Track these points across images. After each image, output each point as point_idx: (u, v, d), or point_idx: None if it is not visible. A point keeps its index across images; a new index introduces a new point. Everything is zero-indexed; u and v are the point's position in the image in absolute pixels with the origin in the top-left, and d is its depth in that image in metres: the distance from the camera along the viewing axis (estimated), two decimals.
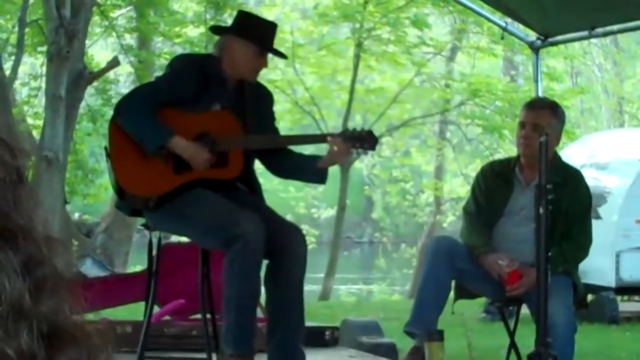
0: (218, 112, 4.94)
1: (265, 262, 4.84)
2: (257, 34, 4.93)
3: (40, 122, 13.17)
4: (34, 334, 0.89)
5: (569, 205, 5.07)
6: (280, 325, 4.81)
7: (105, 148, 5.00)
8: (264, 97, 5.20)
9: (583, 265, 5.35)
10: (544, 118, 5.19)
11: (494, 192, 5.36)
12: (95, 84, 14.17)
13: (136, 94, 5.24)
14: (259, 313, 5.33)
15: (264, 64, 5.03)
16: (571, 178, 5.27)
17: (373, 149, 5.05)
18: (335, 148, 4.89)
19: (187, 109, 4.88)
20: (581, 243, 5.25)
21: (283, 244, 4.78)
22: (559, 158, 5.48)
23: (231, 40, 4.94)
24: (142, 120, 4.81)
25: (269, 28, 5.04)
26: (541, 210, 4.33)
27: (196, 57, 5.34)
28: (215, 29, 5.29)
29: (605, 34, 7.00)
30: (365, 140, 4.96)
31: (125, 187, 4.94)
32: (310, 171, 5.02)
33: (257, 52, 4.92)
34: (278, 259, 4.79)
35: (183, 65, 5.02)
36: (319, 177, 5.04)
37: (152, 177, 4.86)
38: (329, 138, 5.01)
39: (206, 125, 4.89)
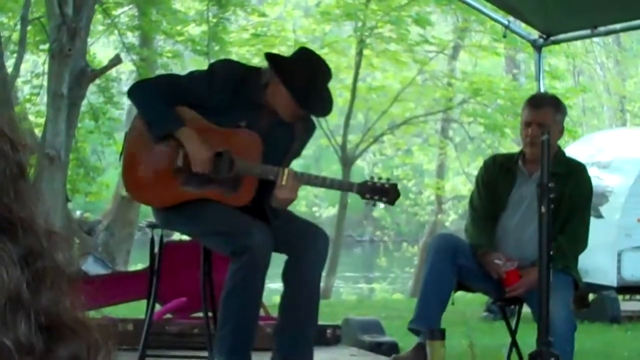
0: (245, 133, 4.76)
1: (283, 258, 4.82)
2: (301, 87, 4.68)
3: (42, 120, 13.17)
4: (31, 325, 0.90)
5: (570, 196, 5.07)
6: (294, 321, 4.77)
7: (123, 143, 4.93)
8: (308, 133, 4.99)
9: (585, 264, 5.35)
10: (548, 116, 5.22)
11: (496, 182, 5.39)
12: (97, 82, 14.17)
13: (156, 78, 5.13)
14: (261, 312, 5.33)
15: (302, 114, 4.79)
16: (574, 170, 5.31)
17: (392, 204, 4.86)
18: (283, 183, 4.63)
19: (212, 119, 4.75)
20: (580, 235, 5.26)
21: (305, 240, 4.75)
22: (563, 153, 5.51)
23: (277, 80, 4.72)
24: (154, 102, 4.71)
25: (317, 80, 4.76)
26: (543, 209, 4.33)
27: (241, 68, 5.00)
28: (271, 59, 4.90)
29: (607, 33, 6.99)
30: (386, 194, 4.80)
31: (130, 191, 4.94)
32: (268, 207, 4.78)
33: (296, 105, 4.70)
34: (298, 254, 4.74)
35: (221, 70, 4.84)
36: (269, 212, 4.78)
37: (159, 187, 4.80)
38: (282, 172, 4.63)
39: (228, 143, 4.74)
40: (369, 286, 25.35)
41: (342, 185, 5.35)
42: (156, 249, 5.10)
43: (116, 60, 12.36)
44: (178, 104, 4.74)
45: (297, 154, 4.97)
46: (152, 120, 4.76)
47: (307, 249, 4.74)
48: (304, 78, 4.71)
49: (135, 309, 7.23)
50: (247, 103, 4.77)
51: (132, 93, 4.94)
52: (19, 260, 0.90)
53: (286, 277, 4.81)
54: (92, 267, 10.41)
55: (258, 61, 13.98)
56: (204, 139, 4.71)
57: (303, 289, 4.77)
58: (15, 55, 13.82)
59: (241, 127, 4.78)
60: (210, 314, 5.04)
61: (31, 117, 15.83)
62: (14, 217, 0.91)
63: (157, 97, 4.72)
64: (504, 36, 7.40)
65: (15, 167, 0.94)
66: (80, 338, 0.94)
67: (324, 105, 4.88)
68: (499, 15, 7.28)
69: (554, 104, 5.38)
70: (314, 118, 5.04)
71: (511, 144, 17.13)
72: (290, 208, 4.90)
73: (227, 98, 4.73)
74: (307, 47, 5.42)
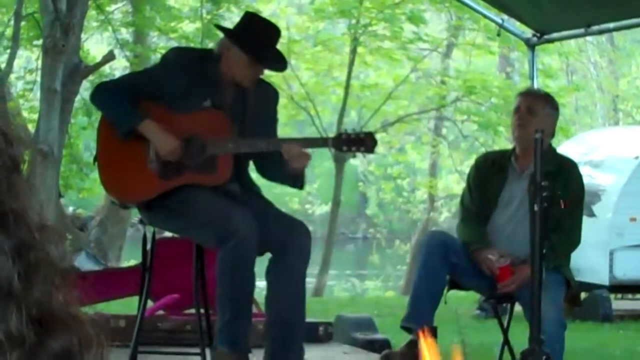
0: (209, 113, 4.82)
1: (268, 256, 4.82)
2: (253, 44, 4.76)
3: (35, 116, 13.13)
4: (22, 317, 0.90)
5: (562, 194, 5.07)
6: (281, 320, 4.77)
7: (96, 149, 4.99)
8: (269, 98, 5.07)
9: (577, 263, 5.34)
10: (538, 103, 5.26)
11: (487, 180, 5.37)
12: (90, 78, 14.15)
13: (114, 79, 5.25)
14: (253, 309, 5.32)
15: (259, 72, 4.90)
16: (565, 167, 5.29)
17: (371, 151, 4.91)
18: (288, 154, 4.70)
19: (176, 107, 4.78)
20: (573, 235, 5.26)
21: (288, 236, 4.74)
22: (554, 149, 5.50)
23: (228, 44, 4.81)
24: (115, 101, 4.77)
25: (268, 36, 4.86)
26: (536, 207, 4.34)
27: (192, 52, 5.24)
28: (220, 28, 5.13)
29: (601, 32, 7.02)
30: (363, 143, 4.84)
31: (110, 192, 4.96)
32: (285, 175, 4.85)
33: (251, 61, 4.78)
34: (282, 252, 4.74)
35: (174, 59, 4.93)
36: (292, 181, 4.88)
37: (137, 183, 4.83)
38: (283, 145, 4.75)
39: (196, 127, 4.79)
40: (361, 283, 25.36)
41: (317, 142, 5.39)
42: (148, 246, 5.09)
43: (110, 57, 12.35)
44: (139, 99, 4.79)
45: (272, 119, 5.05)
46: (115, 118, 4.82)
47: (290, 245, 4.74)
48: (254, 36, 4.78)
49: (127, 306, 7.22)
50: (207, 83, 4.82)
51: (94, 96, 4.99)
52: (11, 252, 0.91)
53: (270, 274, 4.80)
54: (84, 263, 10.40)
55: None
56: (170, 128, 4.76)
57: (288, 286, 4.75)
58: (8, 50, 13.79)
59: (206, 108, 4.82)
60: (202, 311, 5.04)
61: (24, 113, 15.80)
62: (6, 208, 0.92)
63: (117, 96, 4.78)
64: (498, 34, 7.42)
65: (9, 160, 0.94)
66: (72, 331, 0.94)
67: (278, 59, 4.99)
68: (493, 13, 7.30)
69: (544, 97, 5.44)
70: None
71: (505, 142, 17.13)
72: (283, 205, 4.92)
73: (185, 83, 4.78)
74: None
